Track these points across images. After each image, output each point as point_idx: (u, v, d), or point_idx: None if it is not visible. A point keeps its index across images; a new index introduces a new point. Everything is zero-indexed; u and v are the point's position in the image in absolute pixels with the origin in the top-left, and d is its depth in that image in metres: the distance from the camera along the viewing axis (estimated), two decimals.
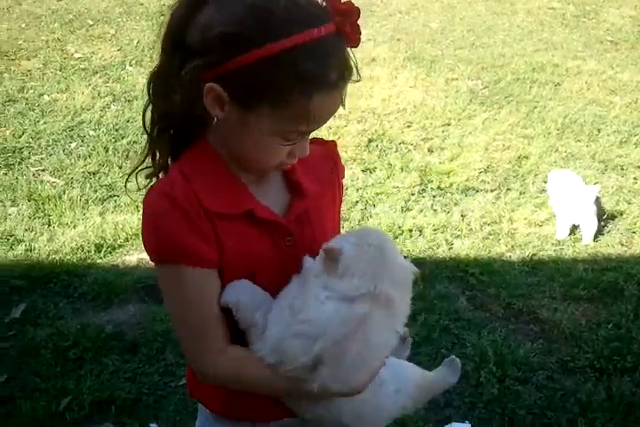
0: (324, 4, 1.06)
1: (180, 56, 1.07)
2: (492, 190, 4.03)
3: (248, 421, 1.34)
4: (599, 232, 3.65)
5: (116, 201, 3.69)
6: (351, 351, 1.11)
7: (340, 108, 1.12)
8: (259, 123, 1.07)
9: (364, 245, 1.18)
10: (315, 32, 1.01)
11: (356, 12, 1.06)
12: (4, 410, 2.40)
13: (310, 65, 1.02)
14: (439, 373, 1.37)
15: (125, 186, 1.24)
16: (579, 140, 4.70)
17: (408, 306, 1.21)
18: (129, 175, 1.23)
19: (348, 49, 1.09)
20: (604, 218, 3.74)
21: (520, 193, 4.01)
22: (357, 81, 1.11)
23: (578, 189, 3.62)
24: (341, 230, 1.44)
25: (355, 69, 1.09)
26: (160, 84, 1.13)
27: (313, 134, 1.19)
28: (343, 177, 1.39)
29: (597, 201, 3.67)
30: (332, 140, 1.38)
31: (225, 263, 1.15)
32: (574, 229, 3.64)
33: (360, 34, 1.07)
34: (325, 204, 1.32)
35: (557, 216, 3.69)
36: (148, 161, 1.22)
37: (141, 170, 1.22)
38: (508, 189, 4.05)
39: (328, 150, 1.35)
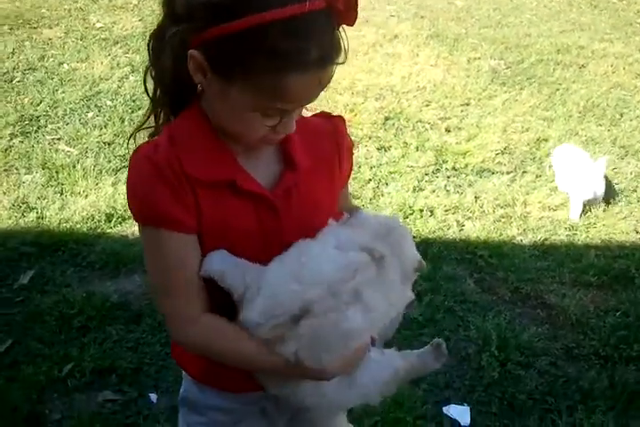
0: None
1: (170, 20, 1.07)
2: (507, 173, 3.97)
3: (227, 390, 1.35)
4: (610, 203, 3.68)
5: None
6: (341, 299, 1.10)
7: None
8: (237, 96, 1.06)
9: (380, 217, 1.31)
10: (297, 8, 0.97)
11: None
12: (8, 374, 2.43)
13: (288, 41, 0.98)
14: (422, 358, 1.35)
15: (128, 143, 1.25)
16: (600, 125, 4.62)
17: (401, 289, 1.20)
18: (131, 135, 1.24)
19: (343, 29, 1.04)
20: (620, 204, 3.68)
21: (536, 176, 3.96)
22: (342, 63, 1.07)
23: (585, 164, 3.62)
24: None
25: (343, 51, 1.05)
26: (155, 45, 1.14)
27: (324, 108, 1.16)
28: (352, 153, 1.36)
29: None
30: (340, 116, 1.35)
31: (204, 230, 1.15)
32: (588, 210, 3.60)
33: (357, 11, 1.02)
34: (320, 181, 1.27)
35: (570, 194, 3.65)
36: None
37: (145, 129, 1.23)
38: (524, 172, 3.99)
39: (334, 126, 1.31)
